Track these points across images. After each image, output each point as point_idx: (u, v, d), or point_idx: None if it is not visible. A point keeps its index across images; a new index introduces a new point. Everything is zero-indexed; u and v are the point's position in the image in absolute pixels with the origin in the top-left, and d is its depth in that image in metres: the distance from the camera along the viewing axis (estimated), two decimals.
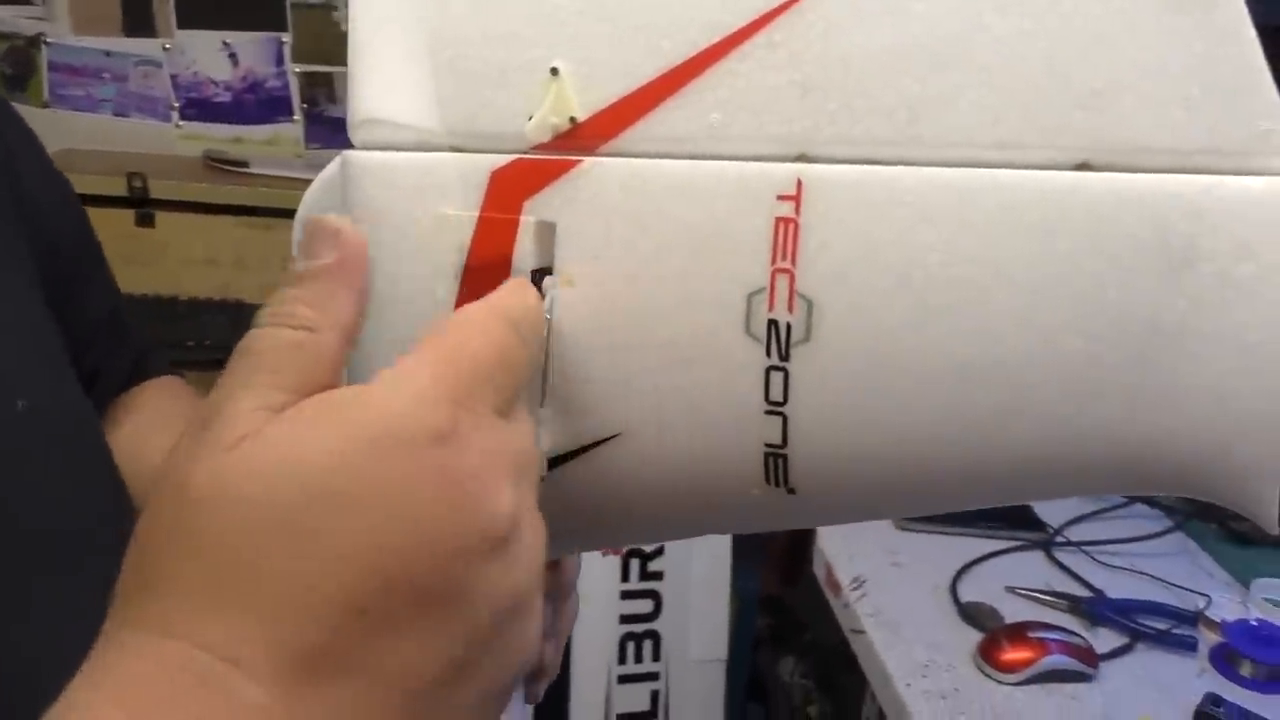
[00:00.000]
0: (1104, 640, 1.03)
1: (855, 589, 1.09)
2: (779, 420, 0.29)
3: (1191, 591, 1.11)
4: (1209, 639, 1.05)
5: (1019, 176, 0.26)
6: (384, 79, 0.33)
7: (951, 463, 0.28)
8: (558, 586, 0.40)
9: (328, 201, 0.36)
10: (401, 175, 0.33)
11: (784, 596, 1.71)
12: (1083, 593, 1.10)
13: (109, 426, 0.49)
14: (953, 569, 1.12)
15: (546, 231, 0.32)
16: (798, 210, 0.28)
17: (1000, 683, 0.96)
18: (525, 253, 0.32)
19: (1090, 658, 0.99)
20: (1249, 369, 0.26)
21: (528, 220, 0.32)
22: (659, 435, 0.31)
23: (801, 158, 0.28)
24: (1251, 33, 0.25)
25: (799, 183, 0.28)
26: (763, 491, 0.30)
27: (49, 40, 1.74)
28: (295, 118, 1.79)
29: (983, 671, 0.97)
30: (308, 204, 0.37)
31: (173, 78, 1.78)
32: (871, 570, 1.12)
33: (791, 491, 0.30)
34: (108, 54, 1.76)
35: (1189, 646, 1.04)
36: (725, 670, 1.58)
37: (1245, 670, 1.01)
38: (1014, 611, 1.05)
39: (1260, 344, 0.26)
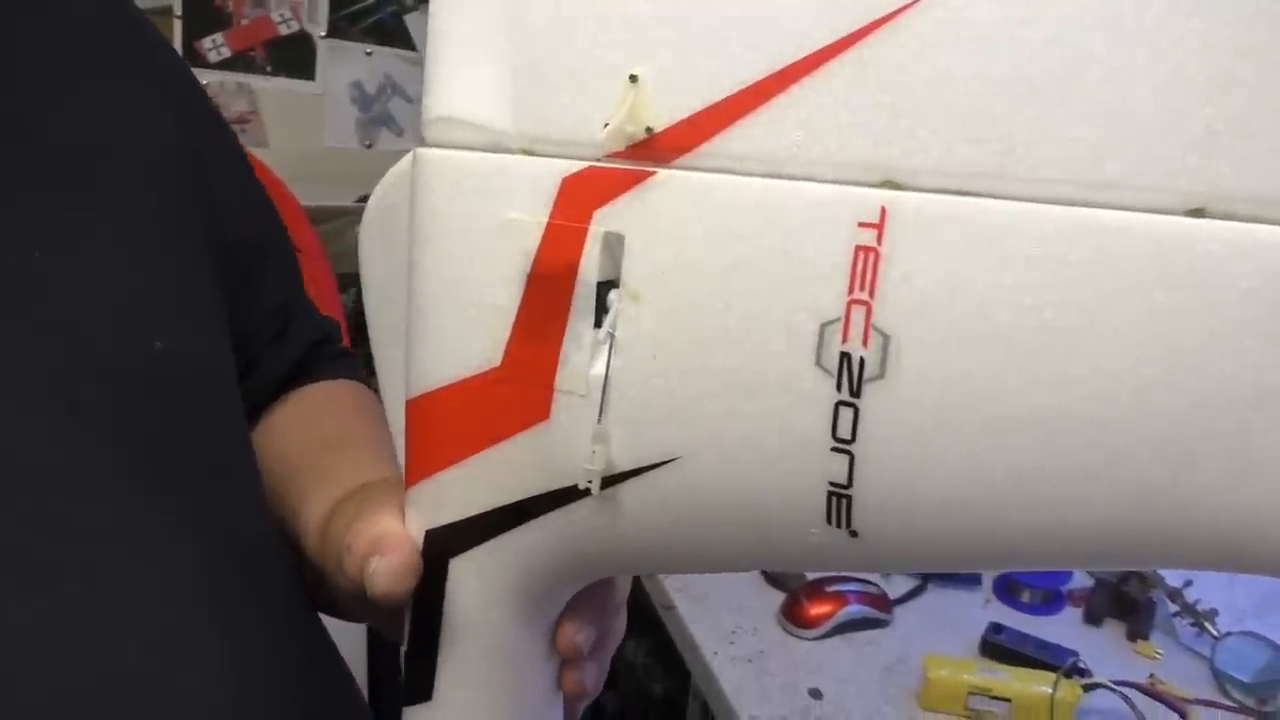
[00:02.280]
0: (897, 585, 1.09)
1: None
2: (845, 459, 0.28)
3: None
4: (991, 571, 1.12)
5: (1124, 219, 0.25)
6: (461, 77, 0.33)
7: (1026, 520, 0.27)
8: (604, 606, 0.39)
9: (396, 199, 0.36)
10: (471, 176, 0.33)
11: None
12: None
13: (264, 417, 0.50)
14: None
15: (615, 243, 0.31)
16: (880, 239, 0.27)
17: (802, 639, 1.00)
18: (592, 263, 0.31)
19: (885, 604, 1.04)
20: None
21: (597, 230, 0.31)
22: (718, 463, 0.30)
23: (887, 184, 0.27)
24: None
25: (883, 210, 0.27)
26: (822, 532, 0.29)
27: None
28: None
29: (786, 630, 1.01)
30: (378, 197, 0.37)
31: None
32: None
33: (854, 534, 0.29)
34: None
35: (974, 581, 1.11)
36: None
37: (1025, 597, 1.09)
38: None
39: None
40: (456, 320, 0.34)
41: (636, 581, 1.22)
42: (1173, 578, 1.04)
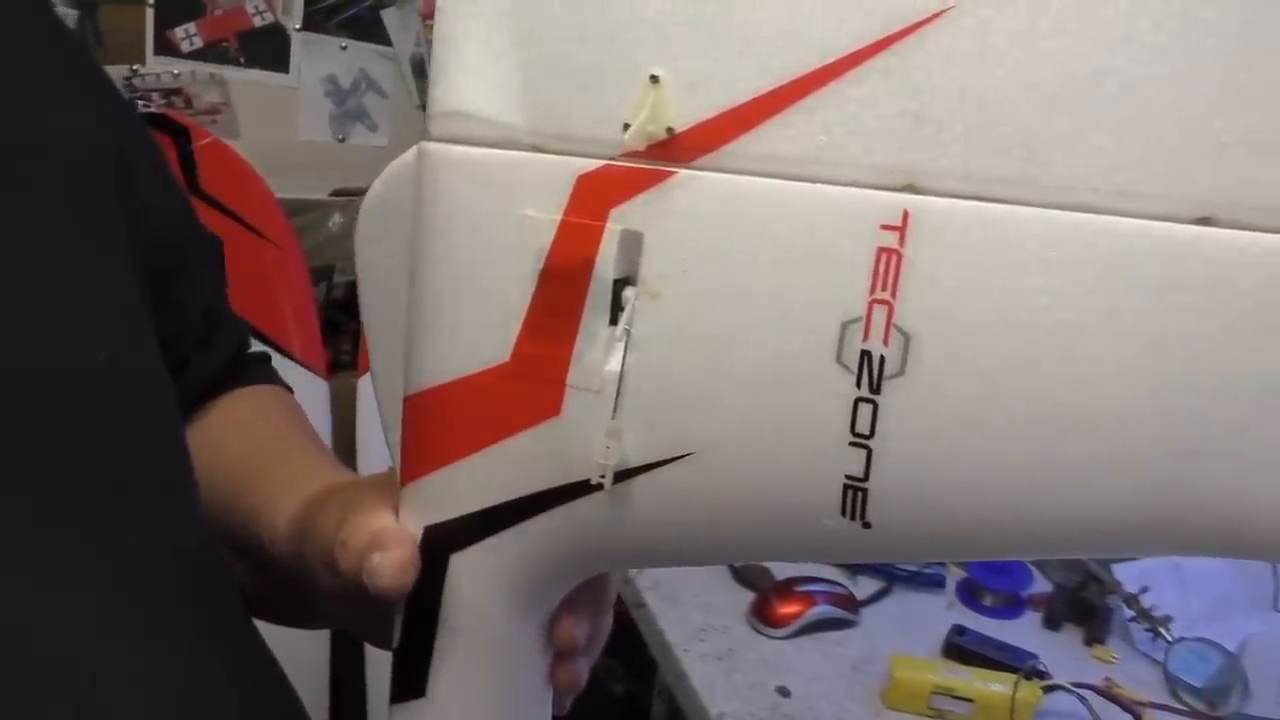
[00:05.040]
0: (864, 587, 1.11)
1: None
2: (863, 453, 0.29)
3: None
4: (955, 575, 1.15)
5: (1137, 226, 0.26)
6: (470, 71, 0.33)
7: (1040, 512, 0.28)
8: (599, 600, 0.39)
9: (397, 192, 0.36)
10: (483, 172, 0.33)
11: None
12: None
13: (194, 424, 0.49)
14: None
15: (633, 241, 0.31)
16: (902, 241, 0.28)
17: (771, 638, 1.01)
18: (608, 261, 0.31)
19: (852, 605, 1.06)
20: None
21: (614, 228, 0.31)
22: (734, 457, 0.31)
23: (909, 188, 0.28)
24: None
25: (905, 213, 0.28)
26: (836, 523, 0.30)
27: None
28: None
29: (755, 629, 1.03)
30: (376, 193, 0.36)
31: None
32: None
33: (867, 526, 0.30)
34: None
35: (938, 584, 1.13)
36: None
37: (987, 600, 1.11)
38: (784, 568, 1.10)
39: None
40: (464, 316, 0.34)
41: None
42: (1130, 584, 1.07)
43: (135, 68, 1.51)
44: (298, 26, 1.54)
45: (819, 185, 0.28)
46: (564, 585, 0.37)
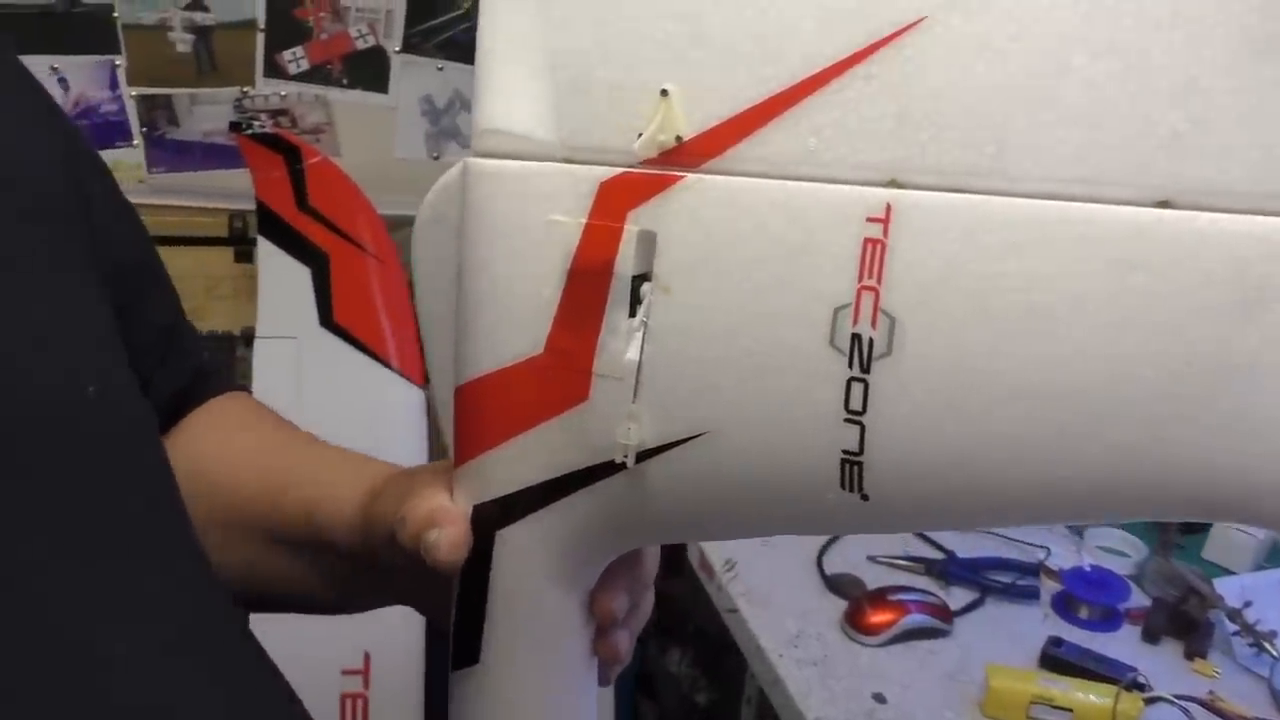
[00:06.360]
0: (957, 597, 1.11)
1: (728, 570, 1.12)
2: (857, 429, 0.31)
3: (1033, 545, 1.20)
4: (1050, 587, 1.14)
5: (1100, 211, 0.27)
6: (507, 92, 0.36)
7: (1020, 481, 0.29)
8: (636, 579, 0.42)
9: (446, 205, 0.40)
10: (518, 183, 0.36)
11: (667, 588, 1.69)
12: (936, 555, 1.18)
13: (183, 434, 0.51)
14: (818, 544, 1.17)
15: (648, 240, 0.34)
16: (886, 232, 0.30)
17: (865, 645, 1.02)
18: (627, 260, 0.34)
19: (945, 614, 1.06)
20: None
21: (631, 229, 0.34)
22: (742, 437, 0.33)
23: (892, 183, 0.30)
24: None
25: (888, 206, 0.30)
26: (837, 496, 0.32)
27: None
28: (135, 142, 1.62)
29: (849, 636, 1.03)
30: (429, 204, 0.40)
31: None
32: (741, 551, 1.15)
33: (865, 498, 0.32)
34: None
35: (1032, 596, 1.12)
36: None
37: (1083, 613, 1.09)
38: (875, 578, 1.11)
39: None
40: (503, 313, 0.37)
41: (687, 593, 1.24)
42: (1232, 598, 1.03)
43: (245, 90, 1.57)
44: (398, 49, 1.58)
45: (811, 184, 0.31)
46: (599, 560, 0.40)
